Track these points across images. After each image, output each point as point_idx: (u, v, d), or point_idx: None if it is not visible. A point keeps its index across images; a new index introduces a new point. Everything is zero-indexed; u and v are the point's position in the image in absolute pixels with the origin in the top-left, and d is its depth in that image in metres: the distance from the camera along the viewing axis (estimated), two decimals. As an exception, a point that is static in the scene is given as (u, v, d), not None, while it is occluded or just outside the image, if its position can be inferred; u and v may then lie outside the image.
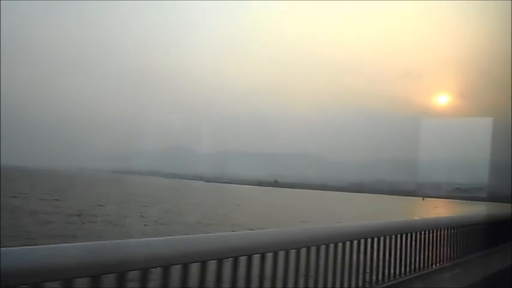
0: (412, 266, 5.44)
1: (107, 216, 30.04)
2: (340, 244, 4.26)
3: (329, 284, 4.11)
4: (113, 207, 34.55)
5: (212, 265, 3.07)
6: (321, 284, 3.97)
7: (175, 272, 2.84)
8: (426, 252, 5.70)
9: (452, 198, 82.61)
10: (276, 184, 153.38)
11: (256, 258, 3.36)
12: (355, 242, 4.57)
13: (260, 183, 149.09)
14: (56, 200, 39.21)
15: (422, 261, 5.58)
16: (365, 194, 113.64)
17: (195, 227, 26.00)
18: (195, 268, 2.95)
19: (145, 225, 26.49)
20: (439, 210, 61.26)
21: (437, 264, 5.97)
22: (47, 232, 18.40)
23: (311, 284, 3.93)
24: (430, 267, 5.79)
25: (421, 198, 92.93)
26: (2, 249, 2.15)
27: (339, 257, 4.24)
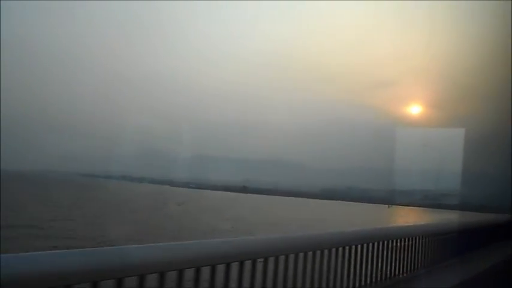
0: (386, 273, 5.63)
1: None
2: (317, 252, 4.32)
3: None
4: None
5: (206, 271, 3.19)
6: None
7: (171, 277, 2.94)
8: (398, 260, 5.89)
9: (421, 206, 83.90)
10: (244, 190, 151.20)
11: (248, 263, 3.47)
12: (334, 249, 4.63)
13: (227, 189, 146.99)
14: None
15: (394, 268, 5.77)
16: (332, 200, 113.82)
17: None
18: (189, 274, 3.06)
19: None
20: (398, 218, 61.63)
21: (411, 271, 6.22)
22: None
23: None
24: (403, 274, 6.02)
25: (387, 206, 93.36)
26: (1, 255, 2.19)
27: (315, 265, 4.26)
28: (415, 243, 6.42)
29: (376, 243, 5.38)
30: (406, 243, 6.20)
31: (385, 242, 5.60)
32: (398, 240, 5.99)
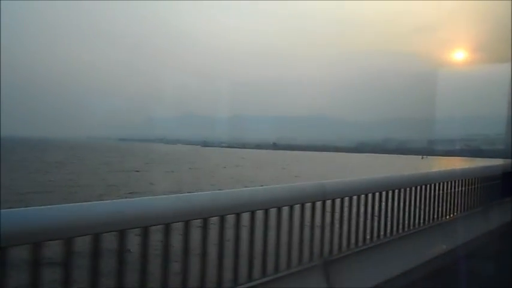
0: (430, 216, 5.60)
1: None
2: (363, 196, 4.36)
3: (361, 230, 4.26)
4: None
5: (231, 219, 3.14)
6: (353, 232, 4.10)
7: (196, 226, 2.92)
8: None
9: (461, 156, 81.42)
10: (274, 147, 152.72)
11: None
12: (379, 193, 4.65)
13: (259, 147, 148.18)
14: None
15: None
16: (366, 154, 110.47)
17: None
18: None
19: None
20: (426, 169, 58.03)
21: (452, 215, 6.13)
22: None
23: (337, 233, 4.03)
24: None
25: (421, 156, 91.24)
26: (36, 207, 2.20)
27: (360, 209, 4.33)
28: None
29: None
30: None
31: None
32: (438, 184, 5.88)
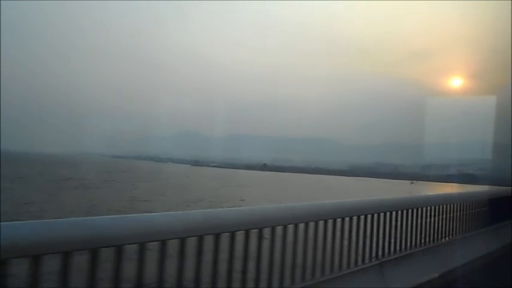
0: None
1: None
2: (355, 218, 4.36)
3: (345, 256, 4.25)
4: None
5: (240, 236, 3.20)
6: (337, 256, 4.09)
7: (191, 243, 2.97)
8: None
9: (453, 182, 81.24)
10: (264, 168, 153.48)
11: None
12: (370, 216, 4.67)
13: (249, 167, 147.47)
14: None
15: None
16: (355, 177, 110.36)
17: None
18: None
19: None
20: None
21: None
22: None
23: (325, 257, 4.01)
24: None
25: (410, 182, 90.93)
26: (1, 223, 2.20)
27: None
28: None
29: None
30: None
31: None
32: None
